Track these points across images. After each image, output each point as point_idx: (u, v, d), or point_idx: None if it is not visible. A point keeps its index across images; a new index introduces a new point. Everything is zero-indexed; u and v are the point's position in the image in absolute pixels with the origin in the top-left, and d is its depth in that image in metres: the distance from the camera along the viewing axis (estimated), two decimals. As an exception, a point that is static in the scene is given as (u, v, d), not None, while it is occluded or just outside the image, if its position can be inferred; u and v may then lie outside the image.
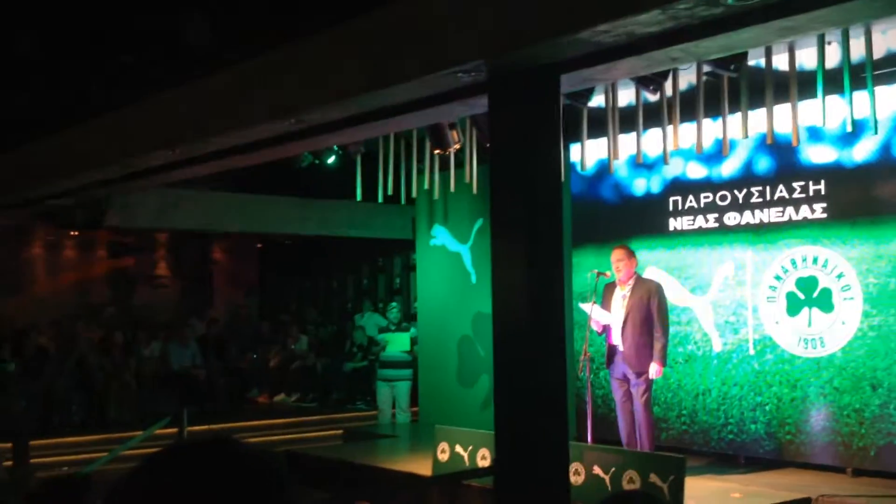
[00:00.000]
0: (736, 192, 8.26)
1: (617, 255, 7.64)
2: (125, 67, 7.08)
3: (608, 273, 7.72)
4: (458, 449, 8.48)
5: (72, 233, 13.87)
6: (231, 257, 17.67)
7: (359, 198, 9.56)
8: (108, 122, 7.28)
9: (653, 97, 6.53)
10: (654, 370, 7.40)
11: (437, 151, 8.44)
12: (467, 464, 8.36)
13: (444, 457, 8.65)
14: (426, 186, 9.43)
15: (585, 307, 7.66)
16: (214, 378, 13.75)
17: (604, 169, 8.43)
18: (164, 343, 13.63)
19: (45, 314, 14.42)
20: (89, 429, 12.05)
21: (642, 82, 5.94)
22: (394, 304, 13.03)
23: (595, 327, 7.65)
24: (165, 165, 7.22)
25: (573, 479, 6.47)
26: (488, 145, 8.24)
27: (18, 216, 10.96)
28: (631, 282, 7.57)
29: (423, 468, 8.97)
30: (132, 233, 15.29)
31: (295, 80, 5.52)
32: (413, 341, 12.23)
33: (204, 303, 16.77)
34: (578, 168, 8.53)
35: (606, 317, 7.61)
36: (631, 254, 7.67)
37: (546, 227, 4.87)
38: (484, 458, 8.27)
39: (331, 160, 9.98)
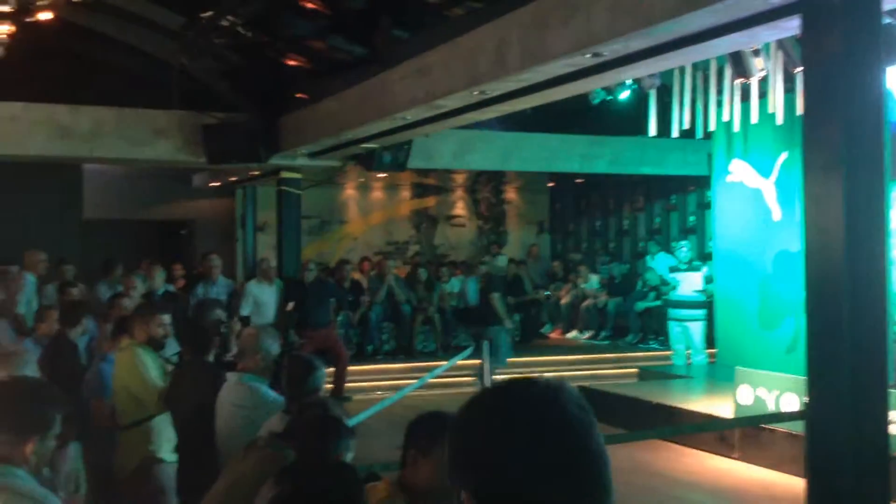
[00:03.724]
0: None
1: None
2: (429, 10, 7.37)
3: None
4: (762, 392, 8.19)
5: (379, 175, 14.79)
6: (523, 196, 18.03)
7: (652, 133, 9.35)
8: (414, 67, 7.64)
9: None
10: None
11: (738, 80, 8.05)
12: (771, 407, 8.06)
13: (745, 400, 8.39)
14: (724, 119, 9.00)
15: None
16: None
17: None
18: (462, 279, 14.27)
19: (357, 251, 15.60)
20: (398, 358, 12.98)
21: None
22: (683, 242, 12.70)
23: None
24: (468, 106, 7.48)
25: (892, 428, 6.03)
26: (796, 71, 7.73)
27: (335, 159, 11.85)
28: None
29: (723, 410, 8.77)
30: (432, 174, 16.05)
31: (599, 9, 5.44)
32: (707, 280, 11.88)
33: (498, 241, 17.31)
34: (898, 94, 7.75)
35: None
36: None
37: (867, 160, 4.48)
38: (789, 403, 7.93)
39: (623, 95, 9.81)
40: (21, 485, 2.66)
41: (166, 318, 5.73)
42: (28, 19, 5.90)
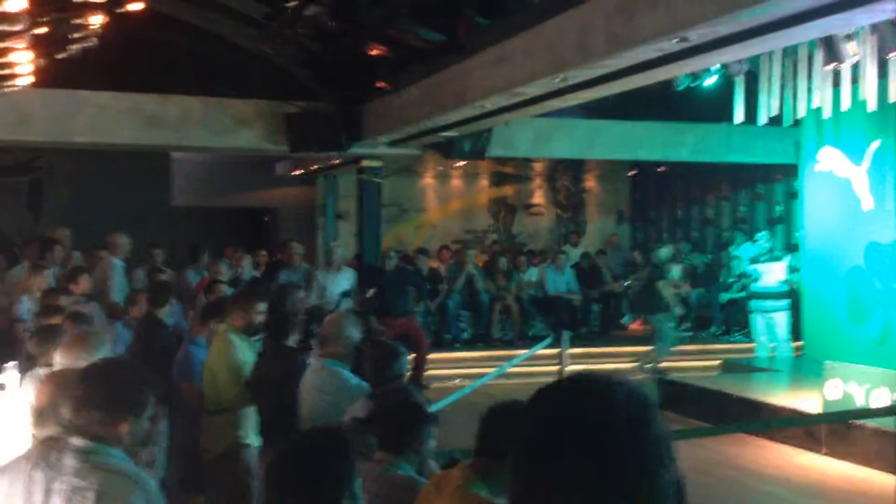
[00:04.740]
0: None
1: None
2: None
3: None
4: (852, 387, 7.96)
5: (458, 163, 14.80)
6: (603, 185, 17.83)
7: (738, 121, 9.13)
8: (495, 54, 7.61)
9: None
10: None
11: (829, 66, 7.80)
12: (861, 402, 7.83)
13: (834, 394, 8.16)
14: (814, 105, 8.74)
15: None
16: (587, 303, 14.10)
17: None
18: (540, 268, 14.20)
19: (435, 239, 15.65)
20: (475, 346, 13.00)
21: None
22: (763, 233, 12.39)
23: None
24: (550, 93, 7.41)
25: None
26: (891, 56, 7.45)
27: (415, 147, 11.90)
28: None
29: (809, 404, 8.55)
30: (511, 162, 15.99)
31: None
32: (790, 270, 11.58)
33: (577, 230, 17.16)
34: None
35: None
36: None
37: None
38: (880, 398, 7.69)
39: (709, 81, 9.60)
40: (116, 464, 2.73)
41: (264, 305, 5.83)
42: (119, 10, 6.05)
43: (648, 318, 12.61)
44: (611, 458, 1.26)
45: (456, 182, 16.98)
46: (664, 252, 13.23)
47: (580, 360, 11.68)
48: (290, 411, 5.19)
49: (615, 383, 1.34)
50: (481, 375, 10.34)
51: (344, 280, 10.79)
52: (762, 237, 11.99)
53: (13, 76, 6.54)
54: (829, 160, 10.52)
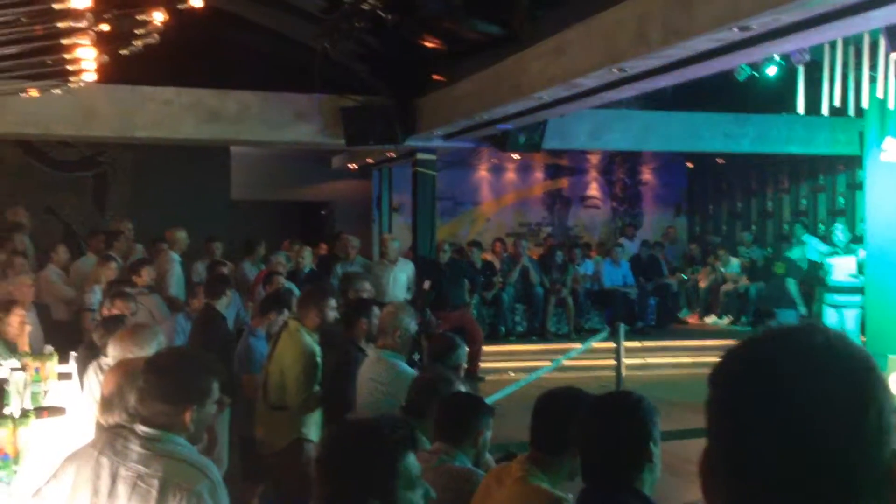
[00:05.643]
0: None
1: None
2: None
3: None
4: (917, 382, 7.76)
5: (513, 155, 14.76)
6: (660, 177, 17.63)
7: (800, 111, 8.94)
8: (551, 45, 7.57)
9: None
10: None
11: (894, 54, 7.62)
12: (927, 399, 7.64)
13: (898, 389, 7.97)
14: (878, 95, 8.53)
15: None
16: (644, 296, 13.96)
17: None
18: (596, 261, 14.11)
19: (489, 232, 15.65)
20: (530, 339, 12.97)
21: None
22: (837, 224, 12.13)
23: None
24: (606, 84, 7.34)
25: None
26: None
27: (469, 140, 11.90)
28: None
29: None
30: (566, 155, 15.89)
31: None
32: (860, 266, 11.32)
33: (633, 223, 17.00)
34: None
35: None
36: None
37: None
38: (947, 395, 7.49)
39: (770, 71, 9.43)
40: (181, 452, 2.79)
41: (334, 301, 5.89)
42: (180, 6, 6.15)
43: (774, 313, 12.53)
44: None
45: (510, 174, 16.94)
46: (800, 250, 13.23)
47: (637, 353, 11.60)
48: (341, 402, 5.24)
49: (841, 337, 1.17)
50: (535, 369, 10.33)
51: (401, 273, 10.83)
52: (839, 230, 11.75)
53: (79, 72, 6.69)
54: (894, 151, 10.26)
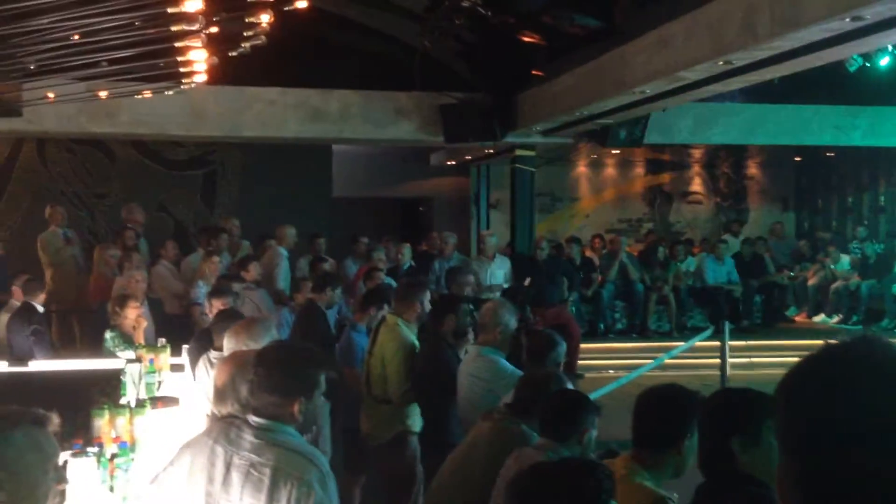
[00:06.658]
0: None
1: None
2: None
3: None
4: None
5: (612, 151, 14.58)
6: (766, 171, 17.14)
7: (916, 102, 8.58)
8: (655, 38, 7.44)
9: None
10: None
11: None
12: None
13: None
14: None
15: None
16: (749, 294, 13.60)
17: None
18: (699, 258, 13.81)
19: (588, 228, 15.50)
20: (630, 337, 12.79)
21: None
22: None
23: None
24: (712, 77, 7.19)
25: None
26: None
27: (569, 136, 11.82)
28: None
29: None
30: (668, 149, 15.61)
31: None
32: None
33: (738, 219, 16.58)
34: None
35: None
36: None
37: None
38: None
39: (883, 62, 9.07)
40: (292, 442, 2.87)
41: (429, 295, 6.05)
42: (287, 7, 6.29)
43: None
44: None
45: (610, 170, 16.74)
46: None
47: (742, 353, 11.32)
48: (446, 395, 5.28)
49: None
50: (636, 367, 10.18)
51: (498, 269, 10.84)
52: None
53: (191, 74, 6.91)
54: None
